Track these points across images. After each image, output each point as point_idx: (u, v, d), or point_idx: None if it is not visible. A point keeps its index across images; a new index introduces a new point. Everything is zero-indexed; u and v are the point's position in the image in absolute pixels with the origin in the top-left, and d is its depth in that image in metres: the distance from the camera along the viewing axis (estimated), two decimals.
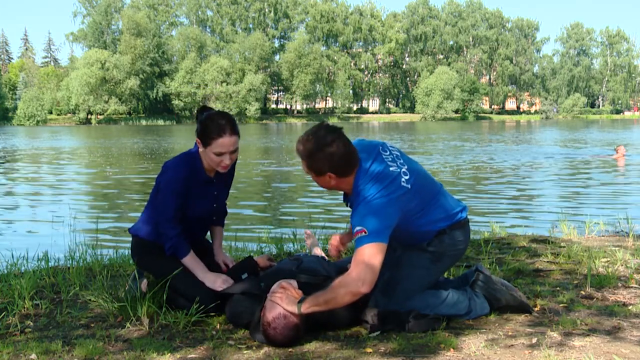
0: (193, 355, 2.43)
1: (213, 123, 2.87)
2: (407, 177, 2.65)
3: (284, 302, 2.54)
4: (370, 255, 2.49)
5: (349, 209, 2.73)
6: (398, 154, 2.78)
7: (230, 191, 3.31)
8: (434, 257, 2.81)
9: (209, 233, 3.33)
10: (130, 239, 3.19)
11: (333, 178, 2.61)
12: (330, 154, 2.53)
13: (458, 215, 2.84)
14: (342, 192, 2.83)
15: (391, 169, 2.64)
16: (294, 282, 2.73)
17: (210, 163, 2.95)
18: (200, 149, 2.95)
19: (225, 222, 3.36)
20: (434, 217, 2.76)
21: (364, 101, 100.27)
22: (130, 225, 3.25)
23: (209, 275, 2.95)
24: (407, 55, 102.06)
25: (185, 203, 2.98)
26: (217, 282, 2.92)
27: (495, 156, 17.90)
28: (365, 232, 2.50)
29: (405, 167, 2.70)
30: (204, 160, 2.99)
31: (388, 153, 2.73)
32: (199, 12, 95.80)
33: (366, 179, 2.60)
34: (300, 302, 2.54)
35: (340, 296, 2.52)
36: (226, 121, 2.89)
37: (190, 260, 2.98)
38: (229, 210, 3.39)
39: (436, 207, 2.77)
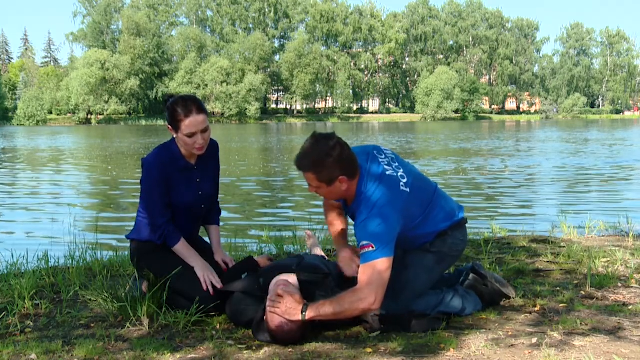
0: (193, 355, 2.42)
1: (178, 106, 2.89)
2: (405, 181, 2.64)
3: (285, 314, 2.51)
4: (381, 271, 2.47)
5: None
6: (393, 156, 2.76)
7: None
8: (438, 258, 2.82)
9: (206, 234, 3.33)
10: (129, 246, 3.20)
11: (345, 182, 2.57)
12: (338, 156, 2.51)
13: (457, 215, 2.85)
14: (342, 202, 2.81)
15: (388, 173, 2.62)
16: (293, 278, 2.72)
17: (185, 147, 2.97)
18: (174, 136, 2.97)
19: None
20: (435, 218, 2.76)
21: (364, 101, 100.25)
22: (130, 226, 3.25)
23: (200, 263, 2.97)
24: (407, 55, 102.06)
25: (169, 191, 2.99)
26: (205, 272, 2.93)
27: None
28: (372, 248, 2.47)
29: (401, 170, 2.68)
30: (180, 147, 3.01)
31: (383, 157, 2.71)
32: (199, 12, 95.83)
33: (367, 186, 2.58)
34: (303, 310, 2.51)
35: (350, 311, 2.51)
36: (191, 102, 2.91)
37: (182, 248, 3.00)
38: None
39: (435, 208, 2.77)
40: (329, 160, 2.51)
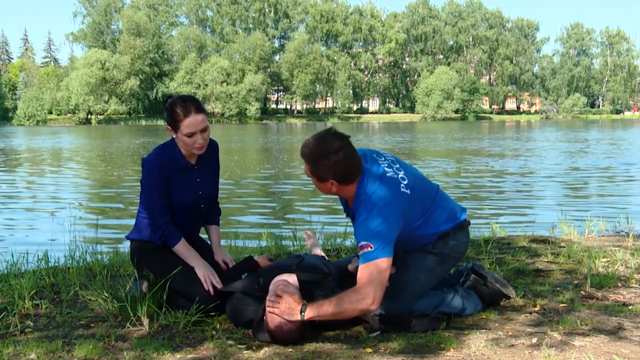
0: (193, 355, 2.42)
1: (177, 106, 2.90)
2: (405, 182, 2.63)
3: (284, 314, 2.51)
4: (379, 271, 2.47)
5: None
6: (393, 159, 2.76)
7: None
8: (439, 259, 2.82)
9: (206, 234, 3.33)
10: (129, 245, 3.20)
11: (335, 185, 2.58)
12: (335, 162, 2.50)
13: (458, 216, 2.85)
14: (342, 203, 2.82)
15: (388, 174, 2.62)
16: (293, 278, 2.71)
17: (185, 147, 2.97)
18: (174, 136, 2.98)
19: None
20: (436, 220, 2.76)
21: (364, 101, 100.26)
22: (129, 226, 3.25)
23: (201, 263, 2.97)
24: (407, 55, 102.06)
25: (169, 191, 2.99)
26: (205, 272, 2.93)
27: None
28: (371, 248, 2.47)
29: (402, 172, 2.68)
30: (180, 147, 3.01)
31: (383, 159, 2.71)
32: (199, 12, 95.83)
33: (367, 187, 2.58)
34: (302, 310, 2.51)
35: (349, 311, 2.50)
36: (190, 102, 2.92)
37: (183, 248, 3.00)
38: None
39: (437, 210, 2.77)
40: (325, 161, 2.51)
